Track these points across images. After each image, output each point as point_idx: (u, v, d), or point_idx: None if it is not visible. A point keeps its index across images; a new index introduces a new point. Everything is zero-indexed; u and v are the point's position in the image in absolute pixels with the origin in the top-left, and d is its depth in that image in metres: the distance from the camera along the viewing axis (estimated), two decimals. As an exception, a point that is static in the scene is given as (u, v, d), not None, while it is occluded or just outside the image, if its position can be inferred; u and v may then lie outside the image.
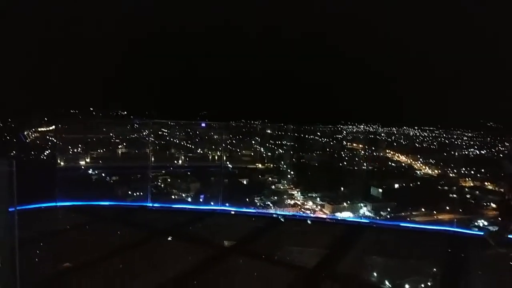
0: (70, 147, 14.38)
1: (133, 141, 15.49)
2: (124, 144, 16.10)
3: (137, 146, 14.94)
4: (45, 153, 14.85)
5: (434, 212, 14.30)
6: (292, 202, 16.20)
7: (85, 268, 6.44)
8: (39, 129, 15.69)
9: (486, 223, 13.53)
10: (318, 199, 15.94)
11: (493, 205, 14.94)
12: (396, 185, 16.37)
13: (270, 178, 17.05)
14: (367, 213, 14.65)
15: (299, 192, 16.44)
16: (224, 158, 14.83)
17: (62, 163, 12.60)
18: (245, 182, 16.85)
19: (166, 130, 17.09)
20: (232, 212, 9.80)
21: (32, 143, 15.78)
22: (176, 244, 7.67)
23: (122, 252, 7.07)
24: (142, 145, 14.39)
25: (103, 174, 15.00)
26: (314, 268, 6.81)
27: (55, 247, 7.20)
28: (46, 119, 15.30)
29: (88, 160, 14.91)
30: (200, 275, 6.36)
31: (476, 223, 13.38)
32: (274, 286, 6.05)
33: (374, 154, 17.93)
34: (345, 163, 17.85)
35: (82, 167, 14.72)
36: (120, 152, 15.99)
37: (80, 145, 15.01)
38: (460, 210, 13.57)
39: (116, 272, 6.41)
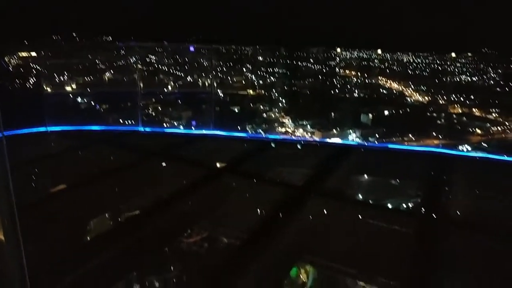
0: (55, 74, 13.96)
1: (120, 67, 15.03)
2: (111, 71, 15.64)
3: (124, 72, 14.52)
4: (30, 80, 14.42)
5: (422, 137, 14.64)
6: (283, 130, 16.38)
7: (80, 189, 6.59)
8: (20, 54, 15.03)
9: (469, 148, 14.00)
10: (308, 126, 16.11)
11: (479, 131, 15.31)
12: (386, 112, 16.52)
13: (261, 106, 17.01)
14: (356, 139, 14.97)
15: (290, 120, 16.55)
16: (215, 84, 14.62)
17: (48, 90, 12.30)
18: (236, 110, 16.82)
19: (153, 57, 16.53)
20: (224, 137, 9.88)
21: (16, 70, 15.23)
22: (169, 165, 7.80)
23: (115, 174, 7.22)
24: (130, 71, 14.01)
25: (92, 102, 14.80)
26: (303, 187, 7.05)
27: (49, 170, 7.30)
28: (26, 42, 14.56)
29: (74, 86, 14.56)
30: (193, 195, 6.57)
31: (460, 148, 13.83)
32: (265, 205, 6.28)
33: (366, 81, 17.80)
34: (336, 90, 17.77)
35: (70, 95, 14.45)
36: (107, 79, 15.60)
37: (65, 72, 14.56)
38: (445, 136, 13.89)
39: (111, 193, 6.60)
